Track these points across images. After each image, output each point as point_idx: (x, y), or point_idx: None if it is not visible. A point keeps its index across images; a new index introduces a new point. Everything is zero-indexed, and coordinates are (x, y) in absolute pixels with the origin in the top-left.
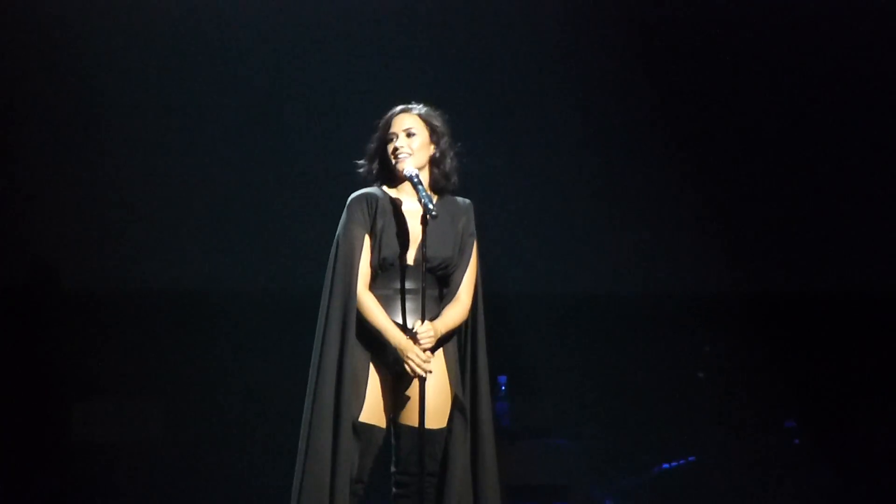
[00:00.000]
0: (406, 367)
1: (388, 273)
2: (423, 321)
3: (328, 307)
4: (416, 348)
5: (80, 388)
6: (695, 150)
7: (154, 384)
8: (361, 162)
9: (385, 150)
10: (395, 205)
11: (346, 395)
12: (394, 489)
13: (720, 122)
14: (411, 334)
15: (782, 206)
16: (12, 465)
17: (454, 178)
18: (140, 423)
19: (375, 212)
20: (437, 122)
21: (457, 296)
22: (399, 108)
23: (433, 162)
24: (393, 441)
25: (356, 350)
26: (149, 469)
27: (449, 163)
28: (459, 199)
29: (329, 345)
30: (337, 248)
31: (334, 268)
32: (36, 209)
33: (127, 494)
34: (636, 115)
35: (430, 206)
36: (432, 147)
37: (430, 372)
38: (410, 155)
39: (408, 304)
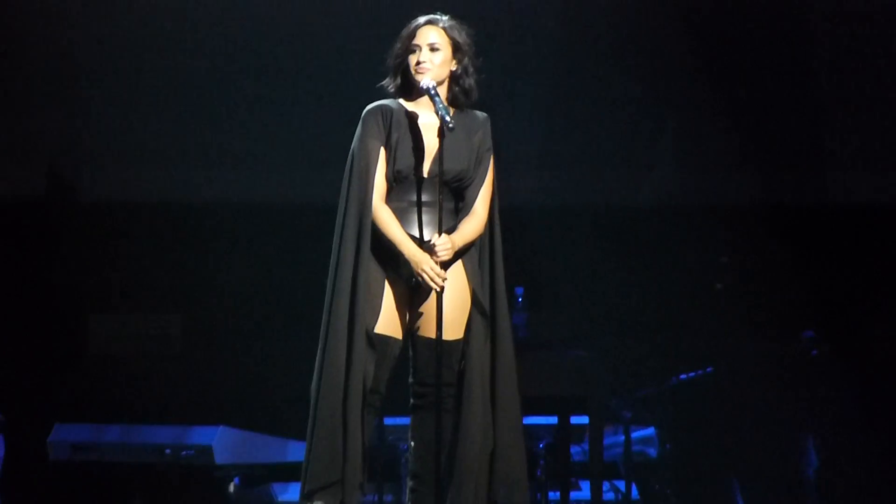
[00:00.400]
0: (420, 279)
1: (403, 185)
2: (440, 234)
3: (343, 220)
4: (430, 261)
5: (98, 300)
6: (712, 55)
7: (172, 297)
8: (386, 80)
9: (406, 61)
10: (412, 117)
11: (361, 306)
12: (412, 400)
13: (741, 27)
14: (428, 246)
15: (802, 116)
16: (31, 378)
17: (474, 94)
18: (158, 335)
19: (391, 124)
20: (461, 38)
21: (473, 209)
22: (424, 19)
23: (453, 77)
24: (410, 353)
25: (371, 262)
26: (166, 382)
27: (469, 78)
28: (477, 112)
29: (345, 257)
30: (352, 160)
31: (349, 180)
32: (53, 121)
33: (145, 407)
34: (656, 20)
35: (447, 119)
36: (454, 63)
37: (444, 285)
38: (431, 69)
39: (424, 217)
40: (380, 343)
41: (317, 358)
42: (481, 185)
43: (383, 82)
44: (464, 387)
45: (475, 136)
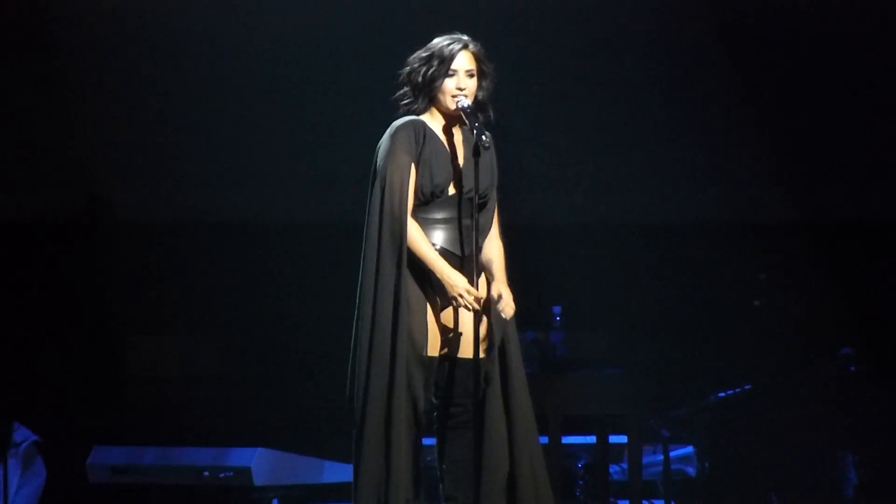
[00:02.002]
0: (455, 302)
1: (436, 202)
2: (476, 250)
3: (379, 236)
4: (465, 282)
5: (137, 321)
6: (751, 73)
7: (210, 318)
8: (404, 92)
9: (442, 84)
10: (446, 134)
11: (407, 326)
12: (441, 420)
13: (779, 46)
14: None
15: (841, 133)
16: (70, 400)
17: (490, 112)
18: (196, 356)
19: (424, 140)
20: (487, 65)
21: (493, 232)
22: (458, 44)
23: (475, 99)
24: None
25: (410, 280)
26: (205, 403)
27: (488, 101)
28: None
29: (384, 275)
30: (382, 175)
31: (382, 196)
32: (93, 142)
33: (183, 429)
34: (691, 37)
35: (484, 138)
36: (480, 88)
37: (481, 307)
38: (470, 96)
39: (459, 233)
40: (430, 364)
41: (357, 377)
42: (495, 205)
43: (405, 100)
44: (485, 406)
45: (490, 155)
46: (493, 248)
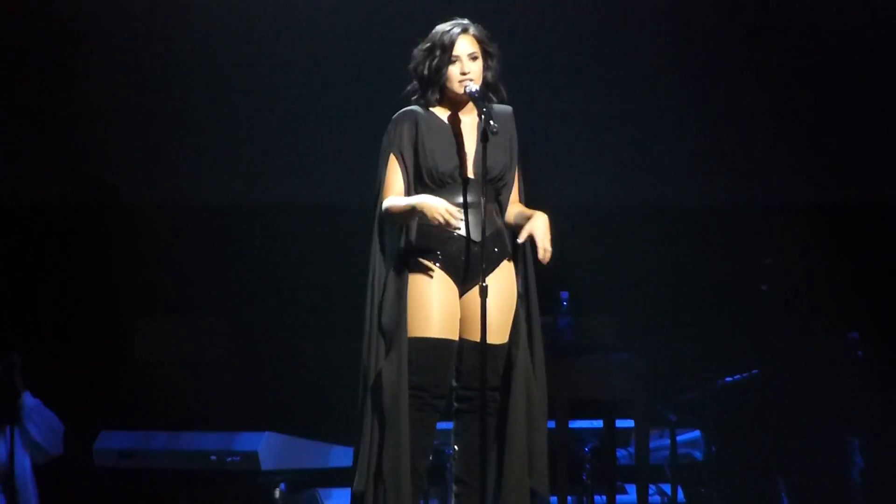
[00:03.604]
0: (437, 221)
1: (449, 188)
2: (484, 234)
3: (379, 223)
4: (444, 202)
5: (144, 305)
6: (756, 55)
7: (218, 301)
8: (413, 87)
9: (446, 72)
10: (449, 121)
11: (411, 310)
12: (455, 404)
13: (785, 28)
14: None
15: (848, 115)
16: (77, 384)
17: (502, 94)
18: (204, 340)
19: (417, 129)
20: (490, 44)
21: (516, 202)
22: (456, 29)
23: (485, 81)
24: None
25: (417, 265)
26: (212, 387)
27: (496, 80)
28: (500, 106)
29: (387, 261)
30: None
31: (381, 186)
32: (101, 126)
33: (190, 413)
34: (697, 22)
35: (492, 123)
36: (487, 68)
37: (461, 223)
38: (476, 79)
39: (470, 218)
40: (439, 346)
41: (365, 365)
42: (517, 178)
43: (413, 94)
44: (510, 391)
45: (507, 133)
46: (515, 207)
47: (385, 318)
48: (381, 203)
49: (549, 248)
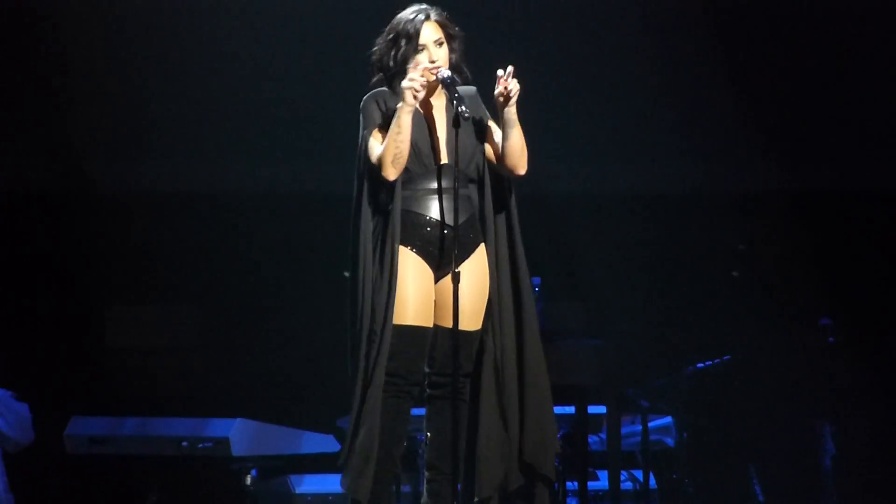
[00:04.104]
0: (407, 90)
1: (425, 174)
2: (456, 219)
3: (359, 208)
4: (407, 80)
5: (114, 292)
6: (730, 42)
7: (189, 288)
8: (378, 78)
9: (409, 59)
10: (426, 107)
11: (387, 296)
12: (427, 390)
13: (759, 16)
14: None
15: (821, 103)
16: (48, 370)
17: (466, 72)
18: (175, 327)
19: (391, 110)
20: (453, 28)
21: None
22: (420, 16)
23: (451, 65)
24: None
25: (395, 251)
26: (183, 374)
27: (461, 62)
28: (464, 88)
29: (366, 247)
30: (360, 150)
31: (360, 171)
32: (71, 114)
33: (162, 399)
34: (672, 9)
35: (463, 109)
36: (452, 52)
37: (422, 86)
38: (444, 64)
39: (444, 203)
40: (414, 334)
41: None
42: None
43: (380, 86)
44: (481, 378)
45: (476, 114)
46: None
47: (363, 301)
48: (373, 155)
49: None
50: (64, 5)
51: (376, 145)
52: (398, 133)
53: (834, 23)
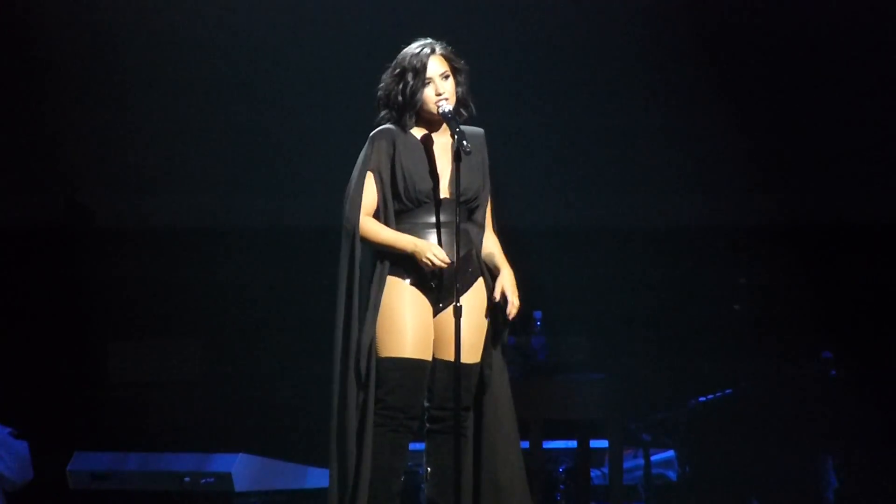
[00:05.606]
0: (425, 264)
1: (424, 207)
2: (458, 254)
3: (352, 242)
4: (430, 245)
5: (117, 327)
6: (727, 75)
7: (191, 323)
8: (384, 115)
9: (422, 95)
10: (424, 141)
11: (387, 331)
12: (427, 425)
13: (756, 49)
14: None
15: (820, 138)
16: (50, 406)
17: (471, 106)
18: (177, 362)
19: (395, 148)
20: (458, 62)
21: (489, 228)
22: (426, 50)
23: (456, 97)
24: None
25: (392, 284)
26: (186, 409)
27: (468, 98)
28: (472, 128)
29: (361, 281)
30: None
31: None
32: (72, 148)
33: (164, 434)
34: (667, 42)
35: (465, 143)
36: (458, 86)
37: (451, 262)
38: (450, 98)
39: (443, 238)
40: (413, 367)
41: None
42: (488, 201)
43: (388, 121)
44: (482, 411)
45: (480, 155)
46: (491, 243)
47: (363, 336)
48: (357, 219)
49: (517, 303)
50: (65, 40)
51: (362, 192)
52: (384, 243)
53: (833, 57)
